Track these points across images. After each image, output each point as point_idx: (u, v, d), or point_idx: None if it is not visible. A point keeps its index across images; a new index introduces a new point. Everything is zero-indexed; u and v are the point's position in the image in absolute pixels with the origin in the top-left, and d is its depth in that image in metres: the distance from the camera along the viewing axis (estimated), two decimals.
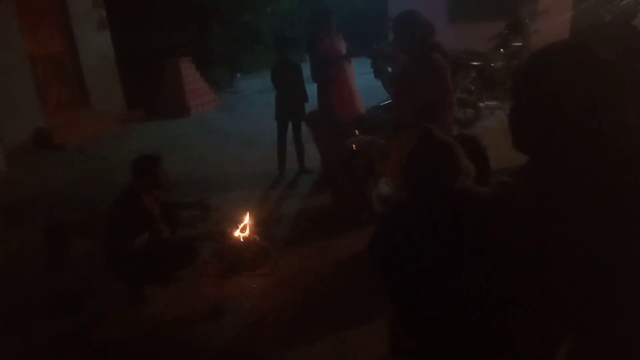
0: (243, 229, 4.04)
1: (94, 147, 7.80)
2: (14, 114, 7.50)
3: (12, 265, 4.22)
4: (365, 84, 8.10)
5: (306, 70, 5.39)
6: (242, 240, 3.98)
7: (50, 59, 8.55)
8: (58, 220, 3.91)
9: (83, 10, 8.90)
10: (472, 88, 6.90)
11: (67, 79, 8.85)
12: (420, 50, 3.37)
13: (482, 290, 1.53)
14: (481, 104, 6.74)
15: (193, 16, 11.53)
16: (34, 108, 8.05)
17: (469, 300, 1.56)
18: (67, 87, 8.88)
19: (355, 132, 4.82)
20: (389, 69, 8.19)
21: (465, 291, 1.57)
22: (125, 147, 7.37)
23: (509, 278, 1.48)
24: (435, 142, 1.71)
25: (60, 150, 7.75)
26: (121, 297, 3.52)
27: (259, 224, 4.19)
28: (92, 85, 9.06)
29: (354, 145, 4.52)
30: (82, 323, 3.34)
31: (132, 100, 9.84)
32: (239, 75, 12.33)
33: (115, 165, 6.54)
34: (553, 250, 1.34)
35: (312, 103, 5.53)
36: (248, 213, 4.20)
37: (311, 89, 5.48)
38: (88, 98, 9.05)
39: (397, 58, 7.47)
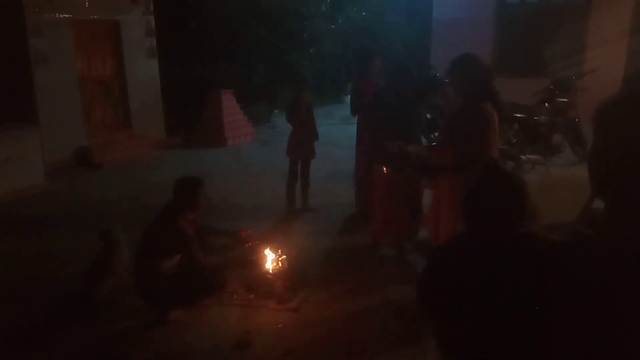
0: (274, 262, 3.94)
1: (131, 169, 7.92)
2: (59, 130, 7.72)
3: (36, 273, 4.21)
4: None
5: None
6: (272, 272, 3.88)
7: (99, 81, 8.85)
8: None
9: (135, 37, 9.24)
10: (514, 140, 6.77)
11: (112, 101, 9.12)
12: (473, 97, 3.25)
13: (546, 337, 1.39)
14: (523, 157, 6.59)
15: (239, 52, 11.86)
16: (78, 126, 8.30)
17: (529, 344, 1.42)
18: (112, 109, 9.15)
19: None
20: (428, 115, 8.12)
21: (528, 338, 1.43)
22: (160, 172, 7.45)
23: (580, 330, 1.34)
24: (503, 177, 1.59)
25: (98, 168, 7.91)
26: (144, 317, 3.44)
27: (291, 258, 4.07)
28: (135, 109, 9.30)
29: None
30: (98, 337, 3.29)
31: (172, 127, 10.06)
32: (277, 111, 12.48)
33: (150, 187, 6.59)
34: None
35: None
36: (280, 246, 4.11)
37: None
38: (130, 121, 9.27)
39: (440, 105, 7.45)
